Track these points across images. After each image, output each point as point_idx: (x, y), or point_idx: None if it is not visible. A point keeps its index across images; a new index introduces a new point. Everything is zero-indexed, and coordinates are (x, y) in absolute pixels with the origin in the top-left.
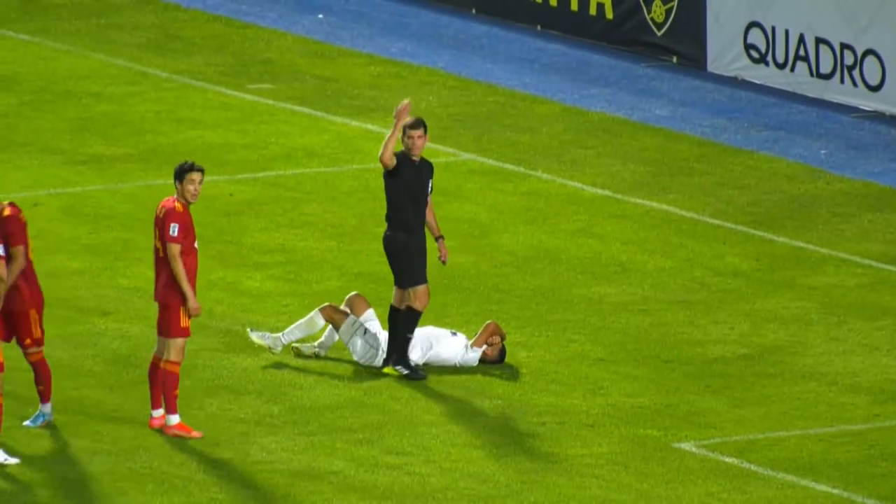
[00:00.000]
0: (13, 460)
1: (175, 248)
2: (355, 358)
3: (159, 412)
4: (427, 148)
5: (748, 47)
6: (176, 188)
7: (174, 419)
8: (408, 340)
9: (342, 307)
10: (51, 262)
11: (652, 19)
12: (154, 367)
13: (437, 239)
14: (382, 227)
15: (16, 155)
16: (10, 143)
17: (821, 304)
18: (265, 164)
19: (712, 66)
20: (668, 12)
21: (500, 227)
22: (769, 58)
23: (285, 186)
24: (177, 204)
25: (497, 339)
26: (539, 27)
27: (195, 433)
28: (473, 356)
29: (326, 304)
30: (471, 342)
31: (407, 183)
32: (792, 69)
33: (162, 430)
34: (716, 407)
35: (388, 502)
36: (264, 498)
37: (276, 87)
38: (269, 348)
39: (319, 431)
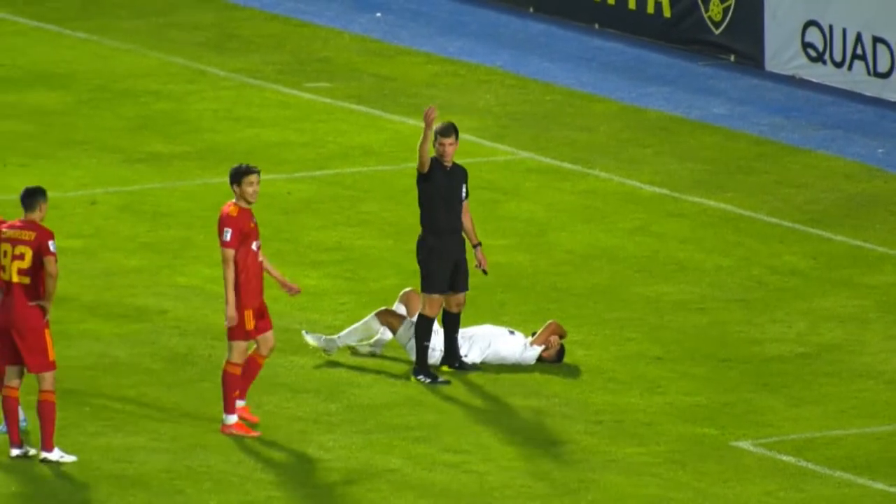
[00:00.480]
0: (70, 458)
1: (228, 253)
2: (414, 359)
3: (239, 406)
4: (484, 146)
5: (805, 46)
6: (234, 192)
7: (232, 419)
8: (425, 348)
9: (397, 303)
10: (109, 260)
11: (710, 18)
12: (247, 362)
13: (474, 247)
14: None
15: (74, 153)
16: (68, 141)
17: (878, 303)
18: (323, 162)
19: (770, 64)
20: (725, 11)
21: (558, 225)
22: (826, 56)
23: (343, 185)
24: (231, 208)
25: (556, 339)
26: (597, 26)
27: (253, 433)
28: (532, 354)
29: (382, 308)
30: (530, 340)
31: (439, 188)
32: (849, 68)
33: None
34: (773, 405)
35: (446, 500)
36: (321, 496)
37: (333, 85)
38: (324, 350)
39: (377, 430)
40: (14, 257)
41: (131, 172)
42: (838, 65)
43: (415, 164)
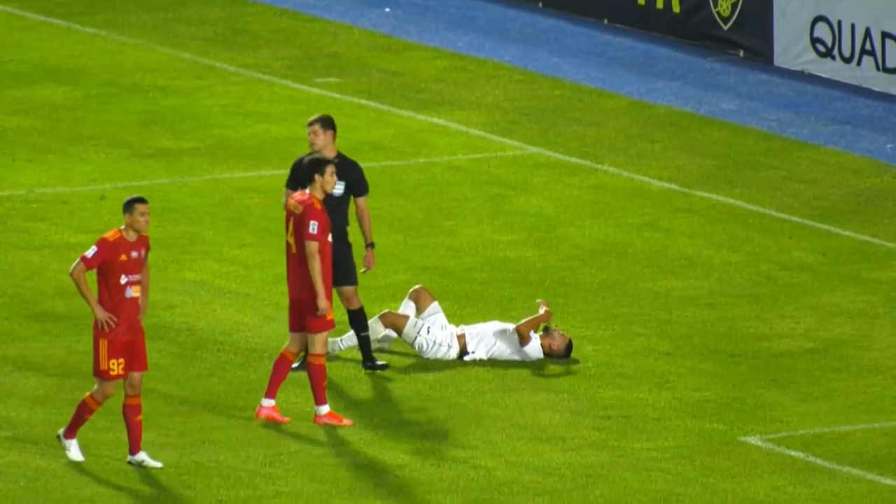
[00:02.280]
0: (155, 463)
1: (314, 246)
2: (424, 357)
3: (270, 402)
4: (493, 142)
5: (814, 41)
6: (314, 181)
7: (324, 409)
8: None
9: (406, 299)
10: None
11: (718, 13)
12: (283, 359)
13: (367, 246)
14: (450, 221)
15: (83, 148)
16: (77, 136)
17: (887, 298)
18: None
19: (779, 60)
20: (734, 6)
21: (567, 220)
22: (835, 52)
23: None
24: (314, 200)
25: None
26: (606, 21)
27: (346, 421)
28: (534, 345)
29: (386, 311)
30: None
31: None
32: (858, 63)
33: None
34: (782, 401)
35: (454, 496)
36: (329, 491)
37: (342, 80)
38: (327, 353)
39: (385, 425)
40: None
41: (140, 168)
42: (847, 60)
43: (424, 160)
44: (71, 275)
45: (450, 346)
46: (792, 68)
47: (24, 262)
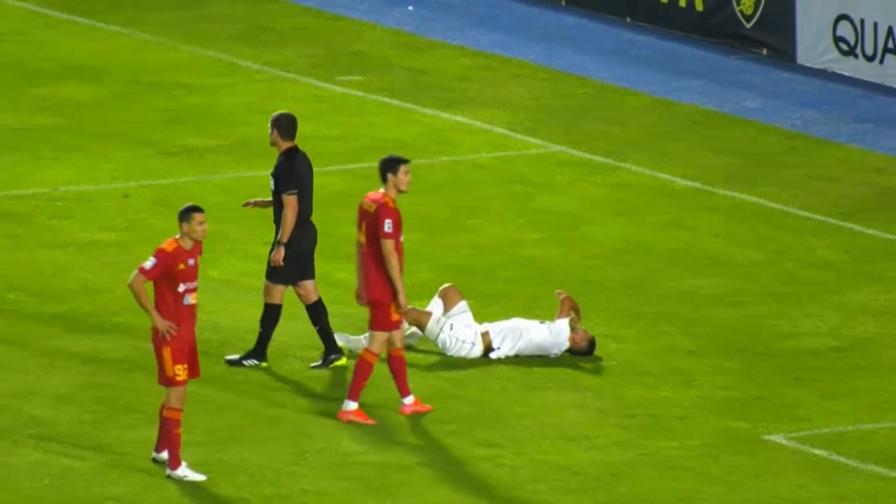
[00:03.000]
0: (197, 476)
1: (389, 244)
2: (448, 354)
3: (410, 399)
4: (517, 140)
5: (837, 40)
6: (387, 180)
7: (352, 405)
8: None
9: (435, 297)
10: (142, 254)
11: (741, 11)
12: (392, 358)
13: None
14: (474, 220)
15: (107, 146)
16: (101, 134)
17: None
18: (355, 155)
19: (802, 58)
20: (756, 4)
21: (590, 219)
22: (858, 50)
23: (376, 178)
24: (387, 199)
25: (575, 317)
26: (629, 19)
27: (370, 420)
28: (563, 337)
29: (409, 307)
30: (556, 318)
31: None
32: (881, 61)
33: (406, 412)
34: (806, 399)
35: (479, 494)
36: (355, 490)
37: (366, 78)
38: (350, 350)
39: (410, 423)
40: None
41: (164, 166)
42: (870, 58)
43: (448, 159)
44: (130, 286)
45: (473, 344)
46: (815, 66)
47: (48, 260)
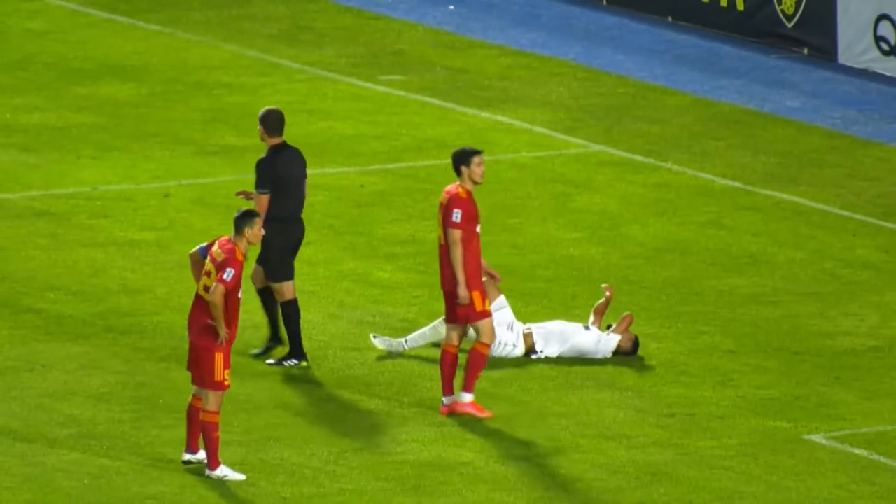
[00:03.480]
0: (237, 476)
1: (456, 234)
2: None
3: (449, 399)
4: (557, 139)
5: (878, 39)
6: (461, 172)
7: (468, 397)
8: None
9: None
10: (182, 253)
11: (782, 11)
12: (445, 355)
13: None
14: (513, 219)
15: (147, 145)
16: (141, 133)
17: None
18: (396, 155)
19: (842, 57)
20: (797, 3)
21: (630, 218)
22: None
23: (416, 178)
24: (460, 190)
25: (629, 334)
26: (670, 18)
27: (486, 412)
28: (609, 346)
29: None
30: (609, 331)
31: None
32: None
33: (451, 411)
34: (846, 398)
35: (518, 494)
36: (394, 489)
37: (406, 78)
38: (390, 353)
39: (449, 423)
40: (205, 272)
41: (204, 165)
42: None
43: (488, 158)
44: (215, 302)
45: (515, 346)
46: (855, 66)
47: (88, 260)
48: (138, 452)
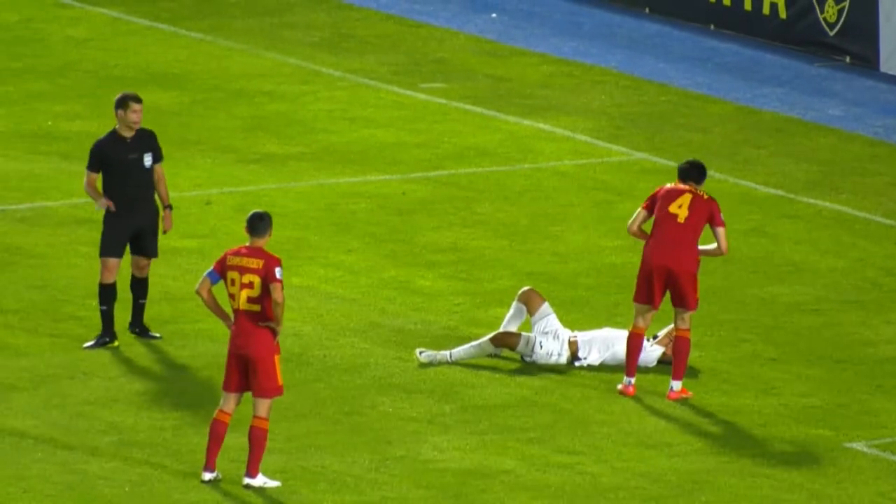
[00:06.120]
0: (273, 483)
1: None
2: (536, 364)
3: (678, 385)
4: (599, 147)
5: None
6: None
7: (678, 385)
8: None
9: (515, 302)
10: None
11: (825, 19)
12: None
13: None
14: (555, 227)
15: (189, 153)
16: (183, 141)
17: None
18: (437, 163)
19: (885, 66)
20: (840, 12)
21: None
22: None
23: (458, 185)
24: (703, 193)
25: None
26: (712, 26)
27: (689, 393)
28: (653, 356)
29: (497, 332)
30: (652, 342)
31: None
32: None
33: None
34: (888, 407)
35: (560, 502)
36: (435, 497)
37: (448, 86)
38: (431, 364)
39: (491, 430)
40: (242, 286)
41: (246, 173)
42: None
43: (530, 166)
44: (279, 299)
45: (560, 354)
46: None
47: (129, 267)
48: (180, 460)
